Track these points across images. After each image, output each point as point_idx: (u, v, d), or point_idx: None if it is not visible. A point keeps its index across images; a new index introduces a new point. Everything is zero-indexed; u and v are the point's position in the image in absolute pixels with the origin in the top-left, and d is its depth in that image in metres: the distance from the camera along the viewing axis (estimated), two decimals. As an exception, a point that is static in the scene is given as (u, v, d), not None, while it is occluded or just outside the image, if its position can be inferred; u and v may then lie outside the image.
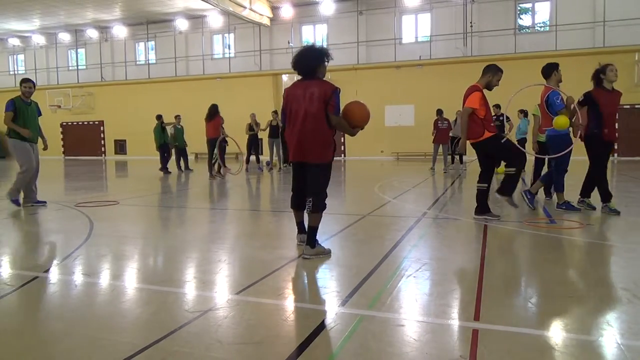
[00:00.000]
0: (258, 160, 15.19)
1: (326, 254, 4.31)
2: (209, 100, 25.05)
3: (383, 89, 21.35)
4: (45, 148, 7.64)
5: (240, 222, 6.68)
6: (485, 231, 5.28)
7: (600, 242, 5.00)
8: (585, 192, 6.51)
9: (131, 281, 3.73)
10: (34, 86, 7.36)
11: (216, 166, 12.95)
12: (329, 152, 4.24)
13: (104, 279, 3.81)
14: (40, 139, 7.48)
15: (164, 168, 14.70)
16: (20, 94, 7.21)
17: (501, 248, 4.72)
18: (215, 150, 12.51)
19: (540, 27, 20.75)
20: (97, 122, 27.94)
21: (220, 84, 24.55)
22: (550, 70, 6.57)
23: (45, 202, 7.62)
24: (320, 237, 4.52)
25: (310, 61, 4.18)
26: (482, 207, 5.94)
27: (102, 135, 27.96)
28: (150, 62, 26.92)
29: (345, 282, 3.58)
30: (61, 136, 28.80)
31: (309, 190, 4.27)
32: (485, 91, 5.86)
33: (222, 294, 3.34)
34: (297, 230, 4.68)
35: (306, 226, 4.37)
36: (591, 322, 2.79)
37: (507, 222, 5.87)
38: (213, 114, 12.52)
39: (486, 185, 5.93)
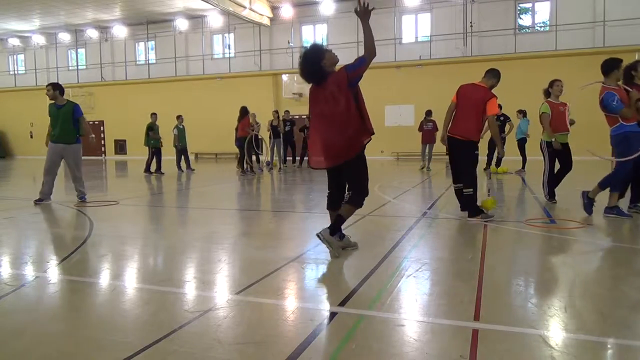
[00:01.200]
0: (258, 160, 15.18)
1: (352, 246, 4.42)
2: (209, 100, 25.32)
3: (383, 89, 21.33)
4: (91, 141, 8.25)
5: (240, 222, 6.68)
6: (485, 231, 5.28)
7: (600, 242, 5.00)
8: (637, 197, 6.21)
9: (131, 281, 3.73)
10: (53, 89, 7.80)
11: (245, 164, 13.54)
12: (356, 144, 4.18)
13: (104, 279, 3.81)
14: (80, 137, 7.92)
15: (147, 169, 14.53)
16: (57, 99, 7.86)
17: (501, 248, 4.72)
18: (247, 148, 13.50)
19: (540, 27, 20.74)
20: (97, 122, 27.94)
21: (221, 83, 24.56)
22: (611, 67, 5.96)
23: (42, 200, 7.79)
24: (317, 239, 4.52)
25: (312, 65, 4.13)
26: (475, 210, 5.90)
27: (102, 135, 27.96)
28: (150, 62, 26.92)
29: (345, 282, 3.58)
30: (61, 136, 28.79)
31: (350, 185, 4.31)
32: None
33: (222, 294, 3.34)
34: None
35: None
36: (591, 322, 2.79)
37: (507, 222, 5.87)
38: (243, 114, 13.49)
39: (472, 190, 5.86)
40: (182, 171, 14.96)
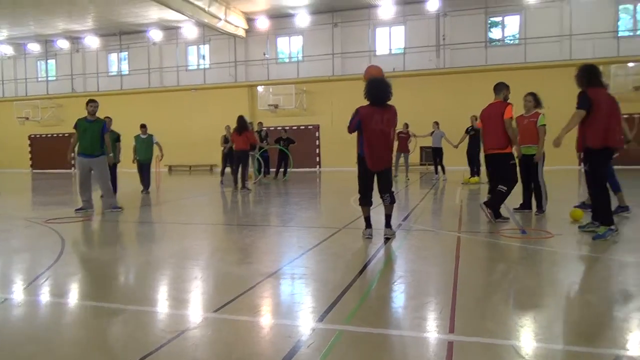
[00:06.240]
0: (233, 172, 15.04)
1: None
2: (184, 111, 25.11)
3: (358, 100, 21.30)
4: (112, 162, 9.02)
5: (215, 237, 6.64)
6: (459, 243, 5.38)
7: (568, 252, 5.15)
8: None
9: (106, 301, 3.67)
10: (97, 105, 8.51)
11: (240, 181, 12.12)
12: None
13: (78, 299, 3.75)
14: (106, 154, 8.51)
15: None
16: (87, 113, 8.40)
17: (474, 259, 4.82)
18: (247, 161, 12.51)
19: (510, 40, 21.33)
20: (67, 135, 27.36)
21: (195, 95, 24.39)
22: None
23: (121, 208, 8.52)
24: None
25: (387, 95, 5.40)
26: (494, 205, 6.52)
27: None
28: (123, 73, 26.58)
29: (322, 297, 3.60)
30: (29, 149, 28.10)
31: (386, 189, 5.58)
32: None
33: (199, 313, 3.32)
34: (365, 225, 5.70)
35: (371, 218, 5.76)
36: (560, 331, 2.88)
37: (480, 233, 6.00)
38: (242, 127, 12.15)
39: (505, 188, 6.48)
40: (145, 191, 12.06)
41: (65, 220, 7.52)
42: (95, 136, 8.29)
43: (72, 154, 8.98)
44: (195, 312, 3.34)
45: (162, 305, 3.50)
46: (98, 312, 3.38)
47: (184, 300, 3.61)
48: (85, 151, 8.27)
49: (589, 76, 5.45)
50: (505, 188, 6.48)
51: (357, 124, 5.43)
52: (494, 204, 6.53)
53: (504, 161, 6.53)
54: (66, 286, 4.09)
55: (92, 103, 8.48)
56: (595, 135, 5.27)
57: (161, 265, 4.78)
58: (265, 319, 3.16)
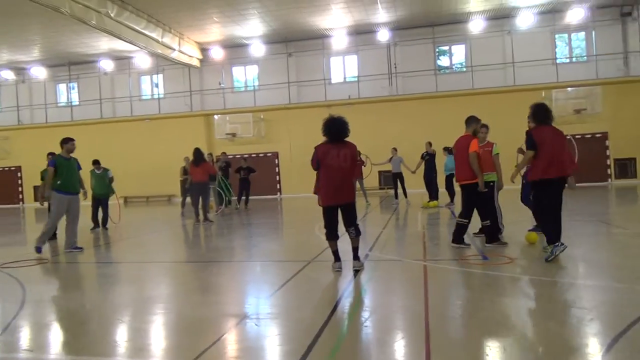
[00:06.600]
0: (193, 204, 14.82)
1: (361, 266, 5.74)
2: (139, 141, 24.64)
3: (315, 128, 21.47)
4: (85, 197, 8.79)
5: (181, 276, 6.54)
6: (426, 272, 5.56)
7: (528, 277, 5.41)
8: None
9: (69, 355, 3.55)
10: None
11: (201, 213, 11.90)
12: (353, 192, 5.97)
13: (47, 352, 3.61)
14: (81, 190, 8.57)
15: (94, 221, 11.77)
16: (63, 151, 8.35)
17: (441, 289, 4.97)
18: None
19: (458, 67, 22.37)
20: (13, 168, 26.20)
21: (150, 125, 24.00)
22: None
23: (82, 248, 8.31)
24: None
25: (345, 132, 5.66)
26: (490, 237, 6.91)
27: (19, 182, 26.20)
28: (73, 103, 25.86)
29: (298, 338, 3.62)
30: (-28, 184, 26.68)
31: (350, 223, 5.72)
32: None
33: (178, 362, 3.28)
34: (334, 259, 5.79)
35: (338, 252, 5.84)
36: (531, 356, 3.05)
37: (443, 261, 6.22)
38: (199, 159, 12.07)
39: (467, 221, 6.83)
40: (97, 227, 11.60)
41: (21, 264, 7.18)
42: (75, 174, 8.35)
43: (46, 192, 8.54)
44: (173, 362, 3.30)
45: (137, 356, 3.43)
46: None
47: (158, 351, 3.56)
48: (69, 189, 8.17)
49: (534, 115, 6.17)
50: (488, 222, 6.88)
51: (317, 162, 5.70)
52: (489, 238, 6.93)
53: (473, 191, 6.84)
54: (37, 338, 3.94)
55: (71, 141, 8.47)
56: (535, 170, 5.94)
57: (129, 311, 4.67)
58: (246, 366, 3.17)
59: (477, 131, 7.00)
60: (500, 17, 20.62)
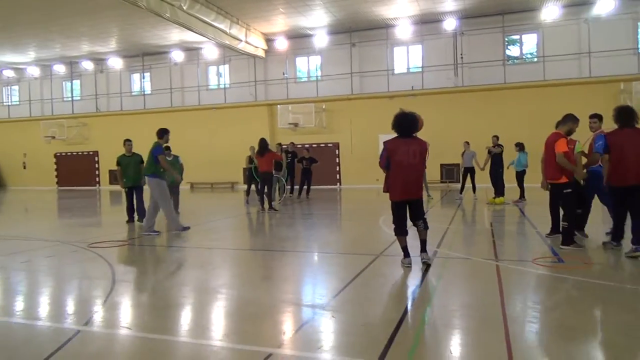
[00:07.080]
0: (258, 192, 15.28)
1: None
2: (205, 130, 25.56)
3: (376, 119, 21.70)
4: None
5: (256, 264, 6.80)
6: (499, 272, 5.49)
7: (607, 282, 5.20)
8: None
9: (179, 336, 3.84)
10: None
11: (266, 201, 12.55)
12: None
13: (146, 330, 3.92)
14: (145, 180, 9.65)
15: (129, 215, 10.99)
16: (162, 140, 9.55)
17: (518, 292, 4.88)
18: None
19: (528, 58, 21.46)
20: (91, 153, 27.98)
21: (216, 114, 24.85)
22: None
23: (159, 232, 9.08)
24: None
25: (412, 127, 5.85)
26: (567, 240, 6.63)
27: (96, 166, 27.97)
28: (145, 92, 27.19)
29: (375, 334, 3.72)
30: (55, 167, 28.76)
31: (418, 217, 5.85)
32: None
33: (264, 349, 3.47)
34: (403, 255, 5.83)
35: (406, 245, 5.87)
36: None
37: (517, 262, 6.10)
38: (264, 148, 12.39)
39: (567, 223, 6.65)
40: (132, 221, 10.84)
41: (107, 244, 7.76)
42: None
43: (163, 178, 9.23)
44: (261, 347, 3.50)
45: (227, 340, 3.67)
46: (172, 346, 3.57)
47: (245, 334, 3.78)
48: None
49: (616, 117, 6.20)
50: (566, 224, 6.66)
51: (387, 158, 5.79)
52: (564, 238, 6.68)
53: (557, 191, 6.78)
54: (128, 317, 4.30)
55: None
56: (613, 176, 6.07)
57: (210, 297, 4.96)
58: (328, 356, 3.31)
59: (572, 130, 6.76)
60: (578, 4, 19.51)
